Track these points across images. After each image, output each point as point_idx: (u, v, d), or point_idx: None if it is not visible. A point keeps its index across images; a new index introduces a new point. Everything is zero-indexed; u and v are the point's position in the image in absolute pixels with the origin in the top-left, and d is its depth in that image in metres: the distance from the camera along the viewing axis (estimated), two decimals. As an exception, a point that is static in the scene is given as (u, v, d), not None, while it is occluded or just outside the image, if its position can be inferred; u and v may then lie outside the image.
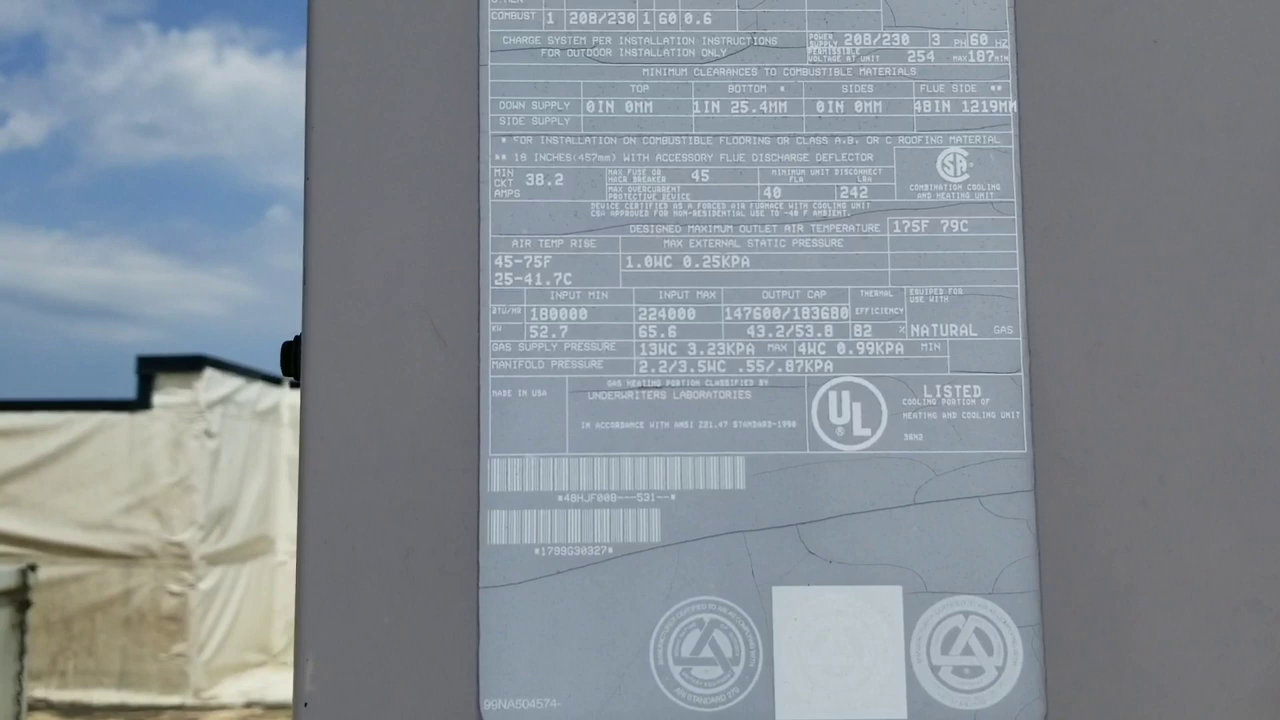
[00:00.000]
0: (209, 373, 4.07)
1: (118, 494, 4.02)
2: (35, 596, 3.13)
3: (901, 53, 0.42)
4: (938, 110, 0.42)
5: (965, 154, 0.42)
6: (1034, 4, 0.43)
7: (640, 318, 0.41)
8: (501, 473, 0.40)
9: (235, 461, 4.16)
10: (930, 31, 0.42)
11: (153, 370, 4.09)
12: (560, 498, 0.40)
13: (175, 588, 3.96)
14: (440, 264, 0.41)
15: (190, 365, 4.07)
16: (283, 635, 4.43)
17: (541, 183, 0.42)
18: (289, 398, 4.55)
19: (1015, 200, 0.42)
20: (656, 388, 0.41)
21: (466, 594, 0.39)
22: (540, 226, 0.41)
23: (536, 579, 0.39)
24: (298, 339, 0.42)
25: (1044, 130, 0.42)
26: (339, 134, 0.41)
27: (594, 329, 0.41)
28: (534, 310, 0.41)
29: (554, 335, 0.41)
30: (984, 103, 0.42)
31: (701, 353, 0.41)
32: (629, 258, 0.41)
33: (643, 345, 0.41)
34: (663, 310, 0.41)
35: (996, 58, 0.42)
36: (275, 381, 4.54)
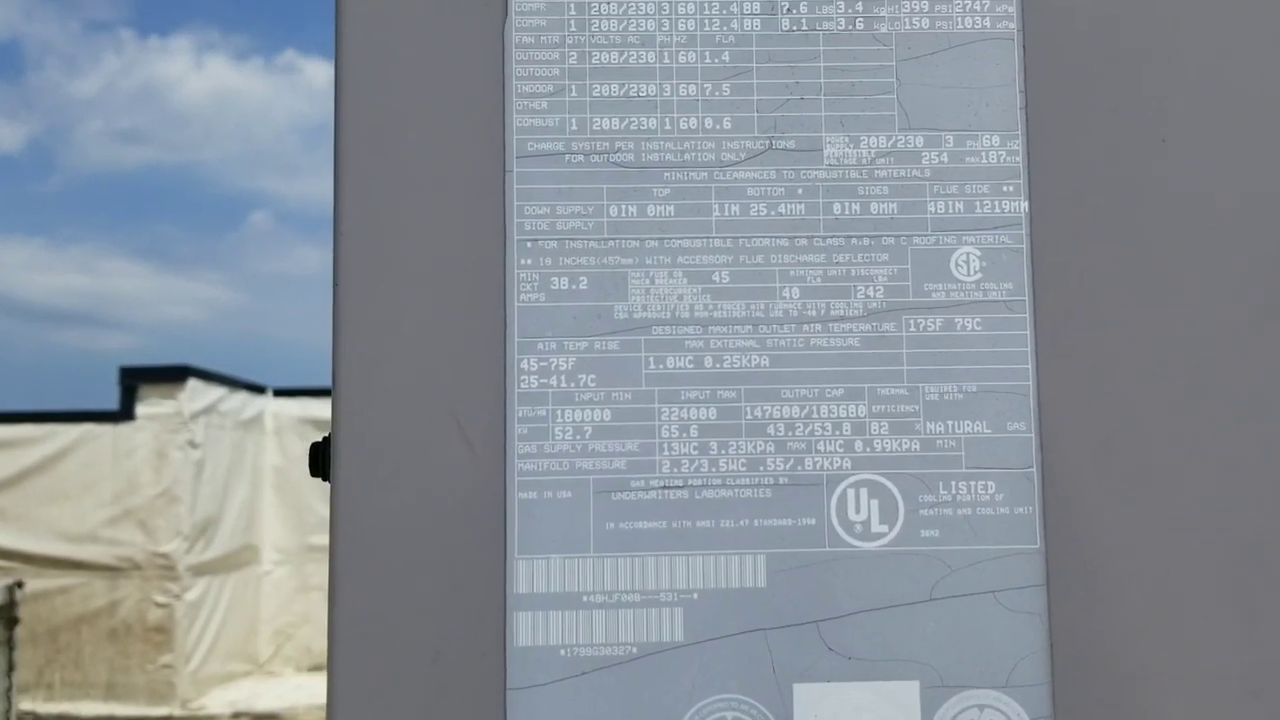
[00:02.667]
0: (192, 383, 4.06)
1: (102, 506, 4.00)
2: (21, 610, 3.11)
3: (916, 154, 0.43)
4: (951, 211, 0.43)
5: (978, 253, 0.43)
6: (1044, 106, 0.44)
7: (663, 418, 0.42)
8: (527, 574, 0.41)
9: (219, 471, 4.15)
10: (944, 133, 0.43)
11: (135, 381, 4.07)
12: (585, 598, 0.41)
13: (161, 599, 3.94)
14: (467, 367, 0.42)
15: (173, 375, 4.06)
16: (268, 644, 4.43)
17: (566, 286, 0.42)
18: (272, 406, 4.54)
19: (1027, 299, 0.43)
20: (679, 487, 0.42)
21: (494, 697, 0.40)
22: (565, 329, 0.42)
23: (563, 680, 0.40)
24: (326, 439, 0.43)
25: (1055, 229, 0.43)
26: (368, 238, 0.42)
27: (618, 430, 0.42)
28: (559, 412, 0.42)
29: (579, 436, 0.42)
30: (996, 203, 0.43)
31: (723, 452, 0.42)
32: (651, 359, 0.42)
33: (665, 445, 0.42)
34: (685, 410, 0.42)
35: (1008, 159, 0.43)
36: (259, 390, 4.53)
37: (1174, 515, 0.42)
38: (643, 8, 0.43)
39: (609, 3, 0.43)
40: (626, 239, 0.43)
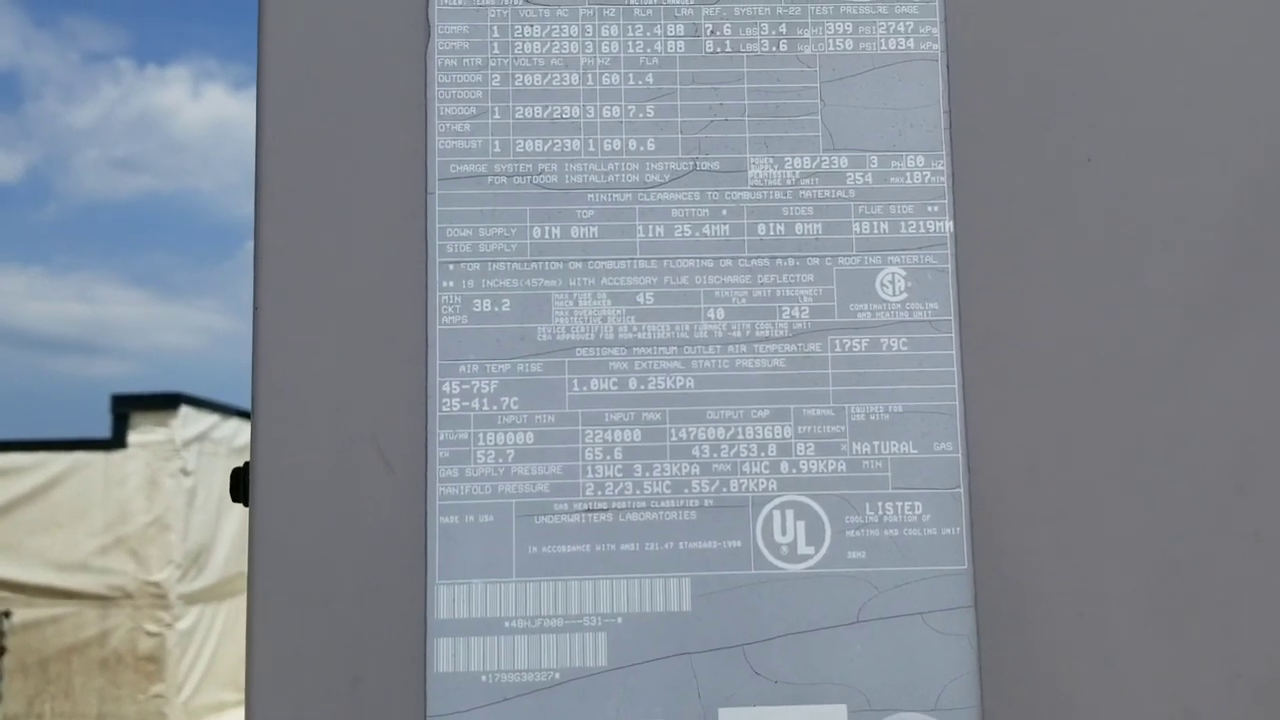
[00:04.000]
0: (184, 410, 4.05)
1: (93, 534, 3.98)
2: (11, 640, 3.09)
3: (840, 175, 0.43)
4: (876, 231, 0.43)
5: (904, 273, 0.43)
6: (969, 126, 0.44)
7: (586, 440, 0.42)
8: (448, 599, 0.40)
9: (212, 499, 4.13)
10: (869, 154, 0.43)
11: (128, 408, 4.07)
12: (507, 623, 0.40)
13: (152, 628, 3.92)
14: (388, 390, 0.42)
15: (165, 403, 4.05)
16: (262, 674, 4.38)
17: (489, 308, 0.42)
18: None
19: (953, 318, 0.43)
20: (603, 510, 0.41)
21: (415, 723, 0.40)
22: (487, 352, 0.42)
23: (484, 706, 0.40)
24: (246, 465, 0.42)
25: (980, 249, 0.43)
26: (287, 262, 0.42)
27: (541, 452, 0.42)
28: (481, 435, 0.42)
29: (501, 460, 0.41)
30: (921, 223, 0.43)
31: (647, 474, 0.42)
32: (575, 380, 0.42)
33: (589, 468, 0.42)
34: (609, 432, 0.42)
35: (933, 179, 0.43)
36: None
37: (1101, 536, 0.42)
38: (566, 30, 0.43)
39: (532, 25, 0.44)
40: (550, 260, 0.43)
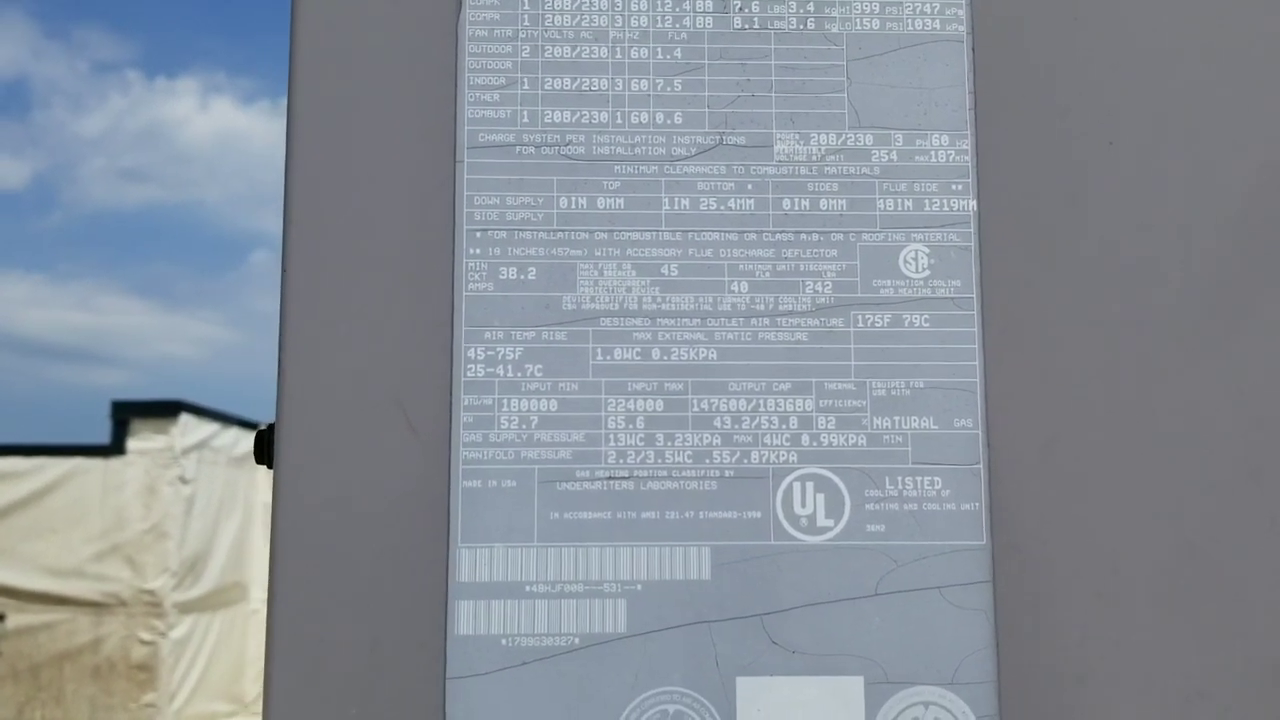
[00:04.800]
0: (184, 418, 4.04)
1: (89, 540, 3.97)
2: (3, 645, 3.08)
3: (865, 152, 0.44)
4: (900, 208, 0.44)
5: (927, 251, 0.43)
6: (994, 106, 0.44)
7: (609, 409, 0.42)
8: (470, 563, 0.41)
9: (210, 508, 4.12)
10: (893, 132, 0.44)
11: (127, 415, 4.06)
12: (528, 588, 0.41)
13: (146, 636, 3.90)
14: (414, 356, 0.42)
15: (165, 410, 4.05)
16: (254, 684, 4.37)
17: (515, 276, 0.43)
18: (266, 443, 4.51)
19: (975, 296, 0.43)
20: (624, 478, 0.41)
21: (433, 685, 0.40)
22: (513, 319, 0.42)
23: (503, 669, 0.40)
24: (271, 427, 0.43)
25: (1003, 228, 0.44)
26: (317, 226, 0.42)
27: (564, 420, 0.42)
28: (505, 401, 0.42)
29: (524, 426, 0.42)
30: (945, 201, 0.44)
31: (669, 444, 0.42)
32: (599, 350, 0.42)
33: (611, 436, 0.42)
34: (631, 402, 0.42)
35: (957, 158, 0.44)
36: (252, 427, 4.51)
37: (1119, 513, 0.42)
38: (596, 3, 0.44)
39: (563, -1, 0.44)
40: (576, 231, 0.43)
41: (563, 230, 0.43)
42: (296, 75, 0.43)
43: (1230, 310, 0.43)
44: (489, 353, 0.42)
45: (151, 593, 3.90)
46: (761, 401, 0.42)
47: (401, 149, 0.43)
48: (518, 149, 0.43)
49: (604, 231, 0.43)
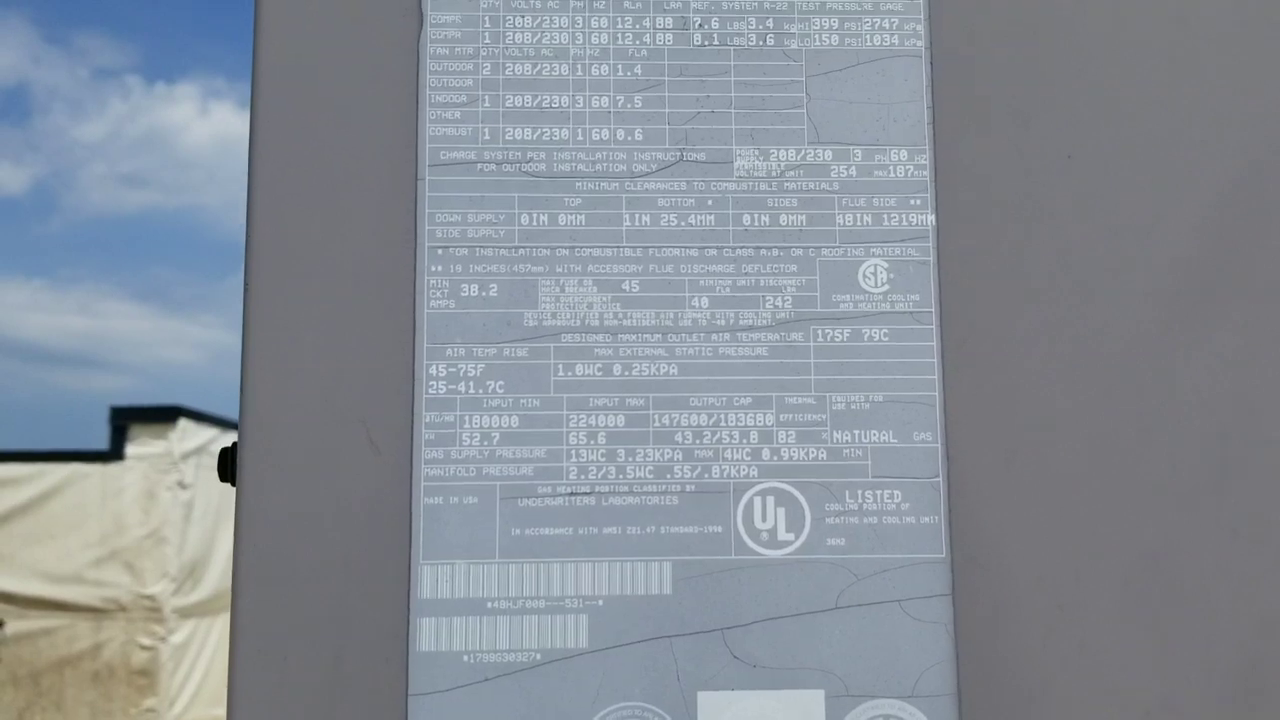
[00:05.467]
0: (183, 423, 4.05)
1: (88, 546, 3.97)
2: (3, 651, 3.08)
3: (824, 168, 0.44)
4: (859, 223, 0.44)
5: (886, 265, 0.44)
6: (952, 121, 0.44)
7: (571, 424, 0.42)
8: (432, 579, 0.41)
9: (208, 512, 4.12)
10: (852, 147, 0.44)
11: (126, 420, 4.06)
12: (490, 604, 0.41)
13: (146, 641, 3.90)
14: (375, 372, 0.42)
15: (164, 416, 4.05)
16: (254, 689, 4.36)
17: (476, 293, 0.43)
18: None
19: (934, 310, 0.43)
20: (586, 494, 0.42)
21: (395, 702, 0.40)
22: (474, 336, 0.43)
23: (465, 686, 0.40)
24: (235, 445, 0.43)
25: (961, 242, 0.44)
26: (278, 245, 0.43)
27: (525, 436, 0.42)
28: (466, 418, 0.42)
29: (486, 442, 0.42)
30: (904, 216, 0.44)
31: (630, 459, 0.42)
32: (560, 366, 0.43)
33: (573, 452, 0.42)
34: (593, 417, 0.42)
35: (916, 173, 0.44)
36: (251, 432, 4.50)
37: (1078, 526, 0.42)
38: (556, 20, 0.44)
39: (523, 15, 0.44)
40: (537, 247, 0.43)
41: (524, 247, 0.43)
42: (258, 92, 0.43)
43: (1191, 322, 0.44)
44: (450, 369, 0.42)
45: (151, 598, 3.91)
46: (722, 416, 0.42)
47: (363, 166, 0.43)
48: (479, 166, 0.43)
49: (565, 248, 0.43)
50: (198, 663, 4.06)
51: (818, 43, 0.45)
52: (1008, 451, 0.43)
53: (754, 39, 0.44)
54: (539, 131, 0.44)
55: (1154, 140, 0.45)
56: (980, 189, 0.44)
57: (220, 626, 4.19)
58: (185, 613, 3.98)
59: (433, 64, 0.44)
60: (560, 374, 0.42)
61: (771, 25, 0.45)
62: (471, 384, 0.42)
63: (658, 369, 0.43)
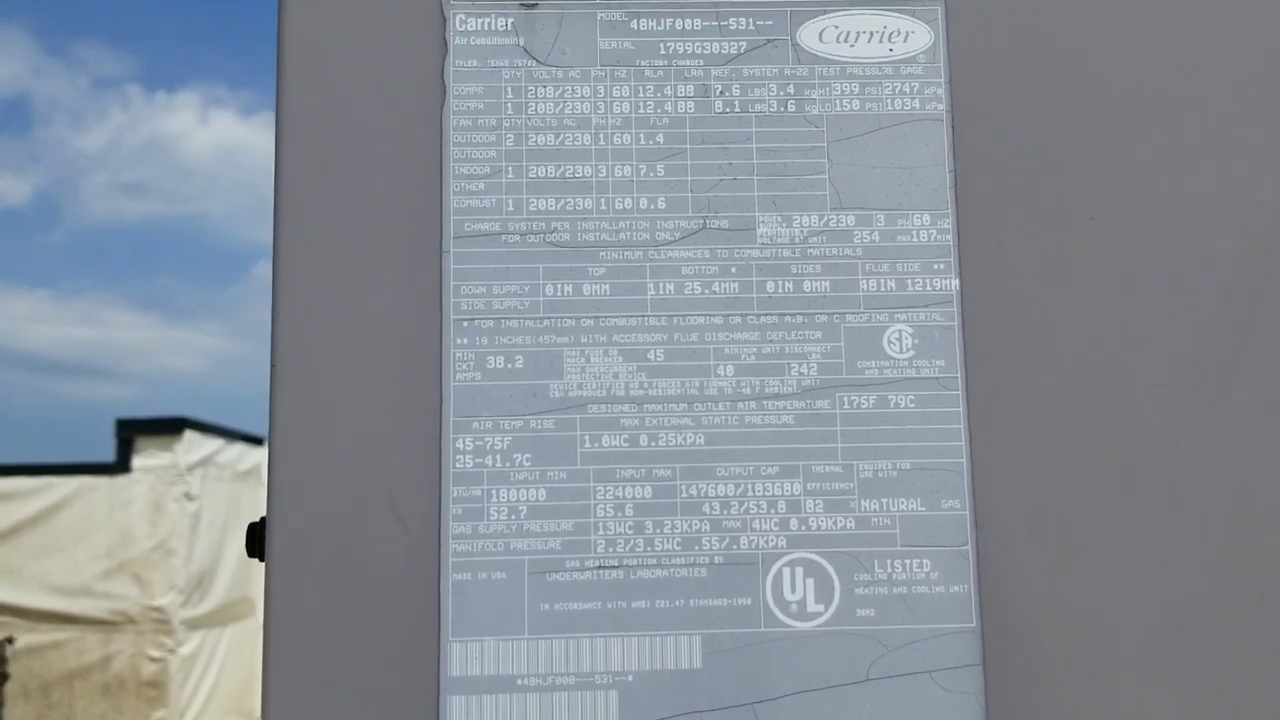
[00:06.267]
0: (189, 434, 4.05)
1: (96, 558, 3.98)
2: (13, 665, 3.08)
3: (848, 233, 0.44)
4: (883, 289, 0.44)
5: (910, 331, 0.43)
6: (975, 184, 0.44)
7: (598, 497, 0.42)
8: (461, 657, 0.41)
9: (216, 523, 4.13)
10: (875, 212, 0.44)
11: (132, 433, 4.07)
12: (519, 681, 0.41)
13: (155, 653, 3.91)
14: (402, 447, 0.42)
15: (170, 427, 4.05)
16: (264, 699, 4.36)
17: (502, 365, 0.43)
18: (270, 457, 4.51)
19: (959, 375, 0.43)
20: (614, 567, 0.42)
21: (428, 781, 0.40)
22: (500, 408, 0.42)
23: (497, 763, 0.40)
24: (263, 520, 0.43)
25: (986, 306, 0.44)
26: (304, 319, 0.43)
27: (553, 509, 0.42)
28: (494, 492, 0.42)
29: (513, 517, 0.42)
30: (927, 281, 0.44)
31: (658, 531, 0.42)
32: (587, 437, 0.42)
33: (600, 525, 0.42)
34: (620, 489, 0.42)
35: (939, 237, 0.44)
36: (257, 442, 4.52)
37: (1108, 594, 0.42)
38: (578, 90, 0.44)
39: (545, 85, 0.44)
40: (562, 318, 0.43)
41: (549, 318, 0.43)
42: (281, 167, 0.43)
43: (1216, 385, 0.44)
44: (477, 443, 0.42)
45: (159, 609, 3.91)
46: (750, 486, 0.42)
47: (387, 240, 0.43)
48: (503, 237, 0.43)
49: (590, 318, 0.43)
50: (207, 674, 4.06)
51: (839, 108, 0.44)
52: (1036, 518, 0.42)
53: (775, 105, 0.44)
54: (562, 201, 0.44)
55: (1177, 200, 0.44)
56: (1004, 252, 0.44)
57: (229, 637, 4.19)
58: (193, 624, 3.99)
59: (456, 135, 0.44)
60: (587, 445, 0.42)
61: (792, 91, 0.44)
62: (498, 457, 0.42)
63: (684, 439, 0.43)
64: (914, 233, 0.44)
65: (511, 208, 0.44)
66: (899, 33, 0.45)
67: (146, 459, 4.02)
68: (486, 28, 0.44)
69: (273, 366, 0.42)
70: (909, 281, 0.44)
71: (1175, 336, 0.44)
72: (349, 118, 0.44)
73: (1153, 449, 0.43)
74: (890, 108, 0.44)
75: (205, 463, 4.11)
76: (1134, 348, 0.44)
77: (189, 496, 4.00)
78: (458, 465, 0.42)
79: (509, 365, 0.43)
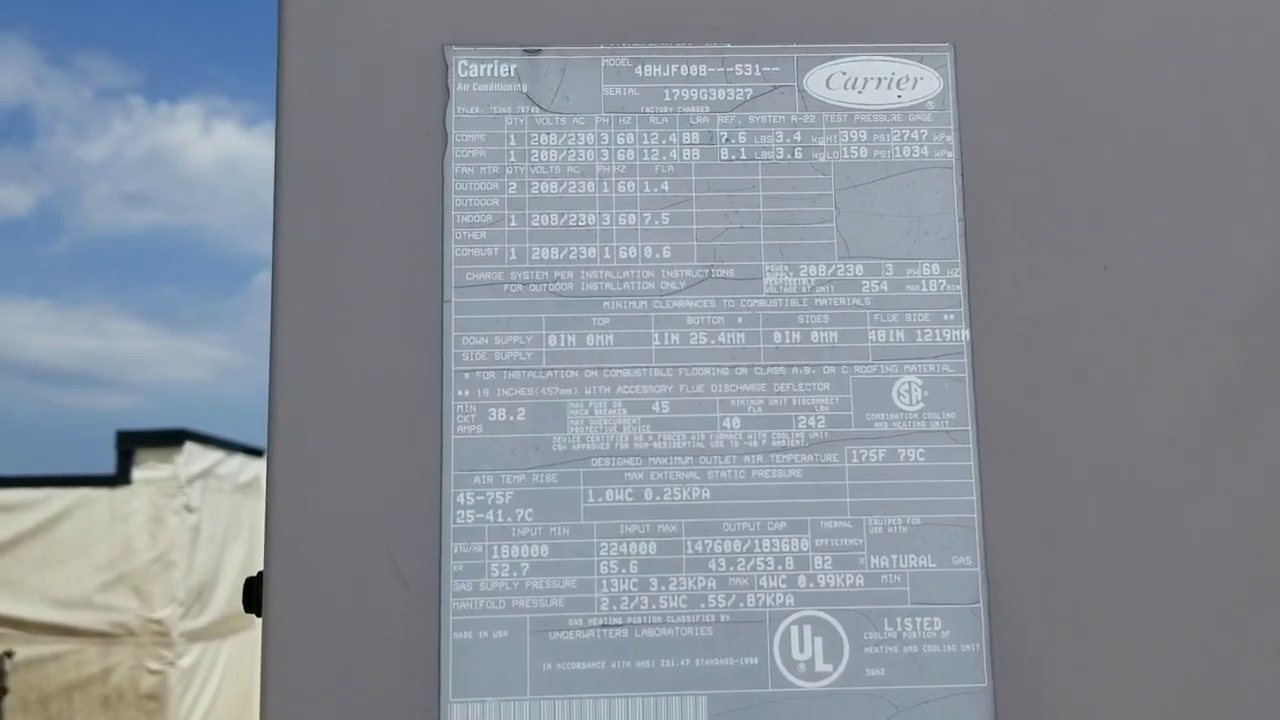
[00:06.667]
0: (189, 446, 4.04)
1: (96, 571, 3.96)
2: (12, 677, 3.07)
3: (856, 283, 0.43)
4: (892, 339, 0.43)
5: (920, 383, 0.43)
6: (985, 233, 0.44)
7: (602, 553, 0.41)
8: (462, 718, 0.40)
9: (216, 536, 4.11)
10: (884, 262, 0.43)
11: (132, 445, 4.06)
12: (522, 742, 0.40)
13: (154, 666, 3.89)
14: (402, 502, 0.41)
15: (170, 439, 4.04)
16: (264, 712, 4.34)
17: (504, 417, 0.42)
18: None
19: (970, 428, 0.42)
20: (618, 625, 0.41)
21: (427, 847, 0.39)
22: (502, 462, 0.42)
23: (498, 828, 0.39)
24: (260, 575, 0.42)
25: (997, 357, 0.43)
26: (303, 369, 0.42)
27: (555, 566, 0.41)
28: (495, 548, 0.41)
29: (515, 573, 0.41)
30: (937, 331, 0.43)
31: (663, 588, 0.41)
32: (590, 491, 0.42)
33: (604, 582, 0.41)
34: (624, 545, 0.41)
35: (949, 287, 0.43)
36: (257, 454, 4.51)
37: (1122, 651, 0.41)
38: (582, 137, 0.44)
39: (549, 133, 0.44)
40: (565, 369, 0.42)
41: (552, 369, 0.42)
42: (281, 214, 0.43)
43: (1230, 437, 0.43)
44: (479, 497, 0.41)
45: (159, 622, 3.90)
46: (756, 542, 0.42)
47: (389, 289, 0.42)
48: (505, 286, 0.43)
49: (594, 369, 0.42)
50: (206, 686, 4.05)
51: (846, 155, 0.44)
52: (1050, 574, 0.42)
53: (781, 152, 0.44)
54: (566, 250, 0.43)
55: (1191, 248, 0.44)
56: (1015, 302, 0.43)
57: (228, 650, 4.18)
58: (193, 636, 3.97)
59: (458, 183, 0.43)
60: (590, 500, 0.42)
61: (799, 138, 0.44)
62: (500, 512, 0.41)
63: (690, 493, 0.42)
64: (923, 282, 0.43)
65: (514, 256, 0.43)
66: (907, 79, 0.44)
67: (147, 471, 4.01)
68: (489, 74, 0.44)
69: (270, 419, 0.42)
70: (918, 332, 0.43)
71: (1191, 387, 0.43)
72: (348, 166, 0.43)
73: (1170, 502, 0.42)
74: (899, 155, 0.44)
75: (206, 475, 4.10)
76: (1149, 399, 0.43)
77: (189, 509, 3.99)
78: (458, 520, 0.41)
79: (511, 418, 0.42)
